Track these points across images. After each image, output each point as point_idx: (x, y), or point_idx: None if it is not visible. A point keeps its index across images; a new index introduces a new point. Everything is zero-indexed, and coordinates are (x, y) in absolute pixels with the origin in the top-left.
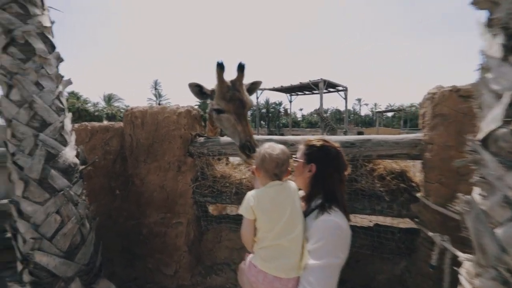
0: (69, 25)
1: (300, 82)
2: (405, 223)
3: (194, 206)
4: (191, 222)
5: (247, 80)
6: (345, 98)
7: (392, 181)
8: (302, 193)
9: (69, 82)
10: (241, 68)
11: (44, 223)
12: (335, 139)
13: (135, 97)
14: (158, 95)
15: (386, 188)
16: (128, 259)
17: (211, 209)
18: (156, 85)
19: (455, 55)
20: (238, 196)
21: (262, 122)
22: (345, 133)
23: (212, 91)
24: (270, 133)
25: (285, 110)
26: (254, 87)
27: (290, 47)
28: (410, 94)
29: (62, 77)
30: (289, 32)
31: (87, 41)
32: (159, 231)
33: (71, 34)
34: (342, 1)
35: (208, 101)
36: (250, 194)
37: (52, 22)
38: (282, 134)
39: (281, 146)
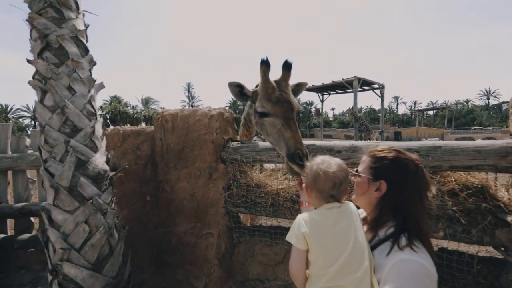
0: (104, 29)
1: (333, 81)
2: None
3: (225, 217)
4: (222, 234)
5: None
6: (381, 97)
7: (468, 199)
8: (362, 211)
9: (101, 86)
10: (287, 67)
11: (73, 233)
12: (396, 146)
13: (170, 100)
14: (191, 97)
15: (460, 207)
16: (158, 267)
17: (242, 217)
18: (189, 88)
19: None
20: (274, 208)
21: None
22: (381, 134)
23: (254, 92)
24: (301, 133)
25: (317, 110)
26: (298, 88)
27: (323, 44)
28: (455, 91)
29: (94, 80)
30: (323, 29)
31: (126, 45)
32: (188, 241)
33: (109, 39)
34: None
35: (248, 103)
36: (301, 218)
37: (87, 26)
38: (313, 135)
39: (338, 161)
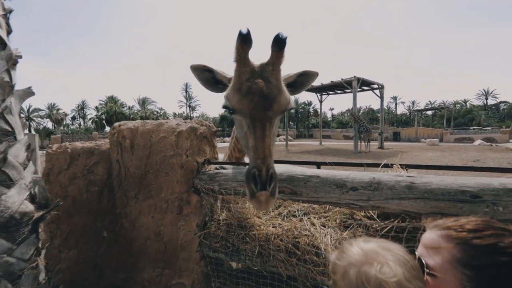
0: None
1: (332, 81)
2: None
3: (201, 262)
4: (198, 284)
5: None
6: (381, 97)
7: None
8: None
9: (28, 93)
10: (278, 43)
11: None
12: (436, 183)
13: (168, 100)
14: (188, 98)
15: None
16: None
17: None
18: (186, 88)
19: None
20: (263, 259)
21: (291, 122)
22: (380, 134)
23: (231, 79)
24: (299, 134)
25: (315, 110)
26: (304, 80)
27: (323, 45)
28: (454, 91)
29: (12, 86)
30: (322, 29)
31: (122, 45)
32: None
33: (108, 39)
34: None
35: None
36: None
37: (9, 11)
38: (311, 135)
39: (396, 249)
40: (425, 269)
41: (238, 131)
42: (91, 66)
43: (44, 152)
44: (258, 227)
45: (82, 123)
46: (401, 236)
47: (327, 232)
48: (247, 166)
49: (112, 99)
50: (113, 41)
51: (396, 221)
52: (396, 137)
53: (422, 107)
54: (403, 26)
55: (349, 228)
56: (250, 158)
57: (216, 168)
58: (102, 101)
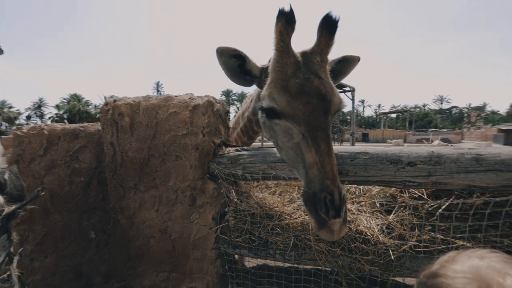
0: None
1: None
2: None
3: (217, 261)
4: (213, 287)
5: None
6: (352, 99)
7: None
8: None
9: None
10: (329, 27)
11: None
12: (505, 153)
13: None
14: None
15: None
16: None
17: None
18: (158, 87)
19: (460, 55)
20: (299, 252)
21: None
22: (351, 135)
23: (265, 69)
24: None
25: None
26: (341, 68)
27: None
28: (415, 95)
29: None
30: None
31: (90, 42)
32: None
33: (73, 35)
34: (347, 2)
35: (254, 92)
36: None
37: None
38: None
39: None
40: None
41: (281, 139)
42: (53, 64)
43: None
44: (289, 216)
45: (39, 122)
46: (453, 214)
47: (370, 217)
48: (270, 149)
49: (75, 97)
50: (80, 39)
51: (450, 199)
52: (365, 138)
53: (387, 110)
54: (371, 31)
55: (393, 212)
56: (310, 177)
57: (237, 150)
58: (64, 99)
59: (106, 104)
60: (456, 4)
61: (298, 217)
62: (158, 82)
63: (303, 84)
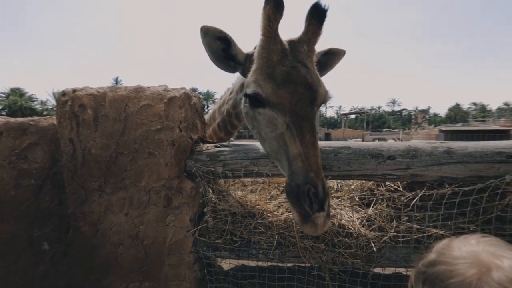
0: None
1: None
2: None
3: (195, 266)
4: None
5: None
6: None
7: None
8: None
9: None
10: (318, 15)
11: None
12: (472, 146)
13: None
14: None
15: None
16: None
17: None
18: (117, 82)
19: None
20: (283, 250)
21: None
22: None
23: (250, 56)
24: (240, 134)
25: None
26: (327, 60)
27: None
28: (371, 98)
29: None
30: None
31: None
32: None
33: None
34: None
35: (237, 81)
36: None
37: None
38: (251, 136)
39: None
40: None
41: (264, 130)
42: None
43: None
44: (271, 214)
45: None
46: (428, 204)
47: (351, 211)
48: (252, 144)
49: (16, 91)
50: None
51: (423, 191)
52: (327, 138)
53: (347, 112)
54: (332, 34)
55: (372, 205)
56: (294, 169)
57: (216, 146)
58: (3, 94)
59: (64, 94)
60: (413, 15)
61: (281, 214)
62: (117, 78)
63: (289, 72)
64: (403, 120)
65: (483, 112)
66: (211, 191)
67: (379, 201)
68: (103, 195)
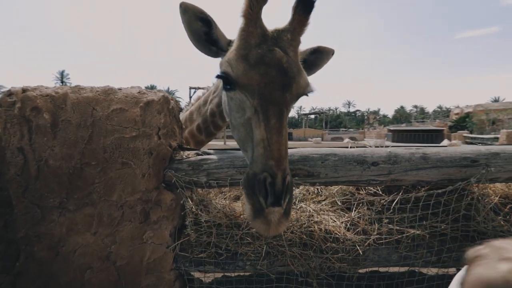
0: None
1: None
2: None
3: (176, 284)
4: None
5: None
6: None
7: (511, 213)
8: None
9: None
10: (304, 5)
11: None
12: (443, 152)
13: None
14: None
15: (510, 225)
16: None
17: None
18: (63, 77)
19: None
20: (271, 260)
21: None
22: None
23: (232, 42)
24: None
25: None
26: (315, 59)
27: None
28: (329, 100)
29: None
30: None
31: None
32: None
33: None
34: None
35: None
36: None
37: None
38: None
39: None
40: None
41: (234, 116)
42: None
43: None
44: None
45: None
46: (407, 206)
47: (336, 215)
48: (237, 152)
49: None
50: None
51: (400, 193)
52: (289, 137)
53: (308, 112)
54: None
55: (354, 209)
56: (254, 156)
57: (198, 154)
58: None
59: (10, 94)
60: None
61: None
62: (62, 72)
63: (264, 54)
64: (357, 120)
65: (422, 114)
66: (192, 202)
67: (360, 205)
68: (65, 213)
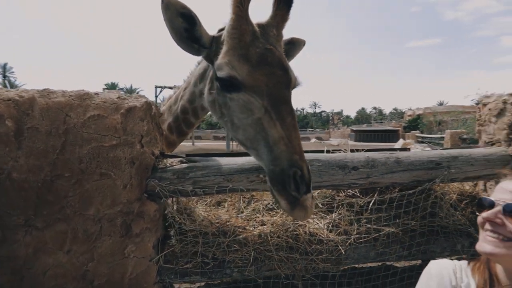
0: None
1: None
2: None
3: None
4: None
5: None
6: None
7: (467, 209)
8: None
9: None
10: (286, 0)
11: None
12: (413, 156)
13: None
14: (9, 85)
15: (466, 219)
16: None
17: None
18: (4, 71)
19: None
20: (258, 266)
21: None
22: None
23: (216, 38)
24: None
25: None
26: (289, 49)
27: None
28: (296, 100)
29: None
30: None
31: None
32: None
33: None
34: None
35: (198, 68)
36: None
37: None
38: None
39: None
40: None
41: (239, 116)
42: None
43: None
44: (244, 229)
45: None
46: (382, 206)
47: (320, 218)
48: (223, 158)
49: None
50: None
51: (376, 194)
52: None
53: None
54: None
55: (335, 211)
56: (276, 154)
57: (182, 162)
58: None
59: None
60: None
61: (254, 229)
62: (5, 65)
63: (264, 53)
64: (323, 121)
65: (380, 115)
66: (175, 211)
67: (340, 206)
68: (32, 232)
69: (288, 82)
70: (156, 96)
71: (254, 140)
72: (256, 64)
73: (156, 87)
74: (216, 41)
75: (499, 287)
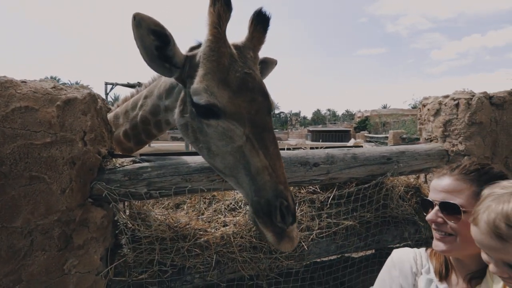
0: None
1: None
2: None
3: None
4: None
5: None
6: None
7: (412, 199)
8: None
9: None
10: (263, 23)
11: None
12: (367, 152)
13: None
14: None
15: (412, 208)
16: None
17: None
18: None
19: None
20: (221, 269)
21: None
22: None
23: (190, 58)
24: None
25: None
26: (261, 69)
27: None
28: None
29: None
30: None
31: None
32: None
33: None
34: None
35: (160, 84)
36: None
37: None
38: None
39: None
40: (461, 208)
41: (216, 144)
42: None
43: None
44: (205, 232)
45: None
46: (341, 201)
47: None
48: (182, 157)
49: None
50: None
51: (335, 189)
52: None
53: None
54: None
55: (296, 207)
56: (260, 184)
57: (135, 162)
58: None
59: None
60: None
61: (216, 230)
62: None
63: (244, 78)
64: (282, 122)
65: (334, 116)
66: (127, 216)
67: (302, 203)
68: None
69: (269, 108)
70: (107, 94)
71: (233, 168)
72: (237, 90)
73: (106, 83)
74: (189, 61)
75: (453, 268)
